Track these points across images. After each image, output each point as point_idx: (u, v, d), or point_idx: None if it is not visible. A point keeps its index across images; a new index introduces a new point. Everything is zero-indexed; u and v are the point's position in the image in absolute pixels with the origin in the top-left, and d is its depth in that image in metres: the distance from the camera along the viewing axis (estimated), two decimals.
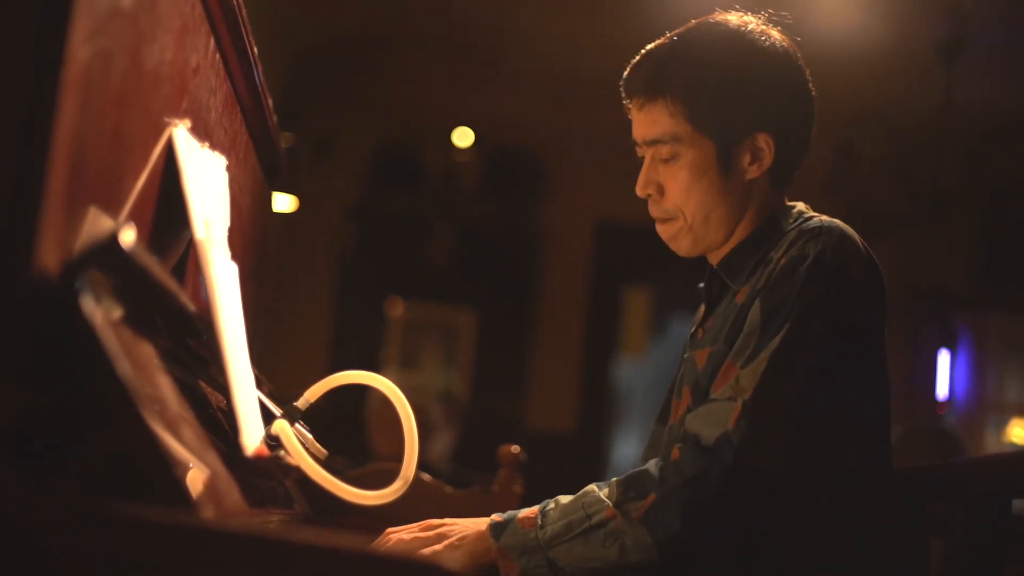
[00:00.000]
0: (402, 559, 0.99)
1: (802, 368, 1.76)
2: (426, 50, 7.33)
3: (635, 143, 2.02)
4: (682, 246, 2.00)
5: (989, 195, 7.62)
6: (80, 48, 1.06)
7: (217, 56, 1.75)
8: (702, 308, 2.08)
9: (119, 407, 1.02)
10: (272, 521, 1.67)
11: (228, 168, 1.73)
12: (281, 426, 1.58)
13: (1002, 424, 7.84)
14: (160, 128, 1.42)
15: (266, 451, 1.53)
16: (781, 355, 1.76)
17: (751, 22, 1.99)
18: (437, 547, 1.81)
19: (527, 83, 7.44)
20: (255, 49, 1.90)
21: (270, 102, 2.16)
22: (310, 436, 1.83)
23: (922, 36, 6.27)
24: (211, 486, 1.16)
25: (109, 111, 1.19)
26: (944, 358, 7.55)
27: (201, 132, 1.63)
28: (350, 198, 7.87)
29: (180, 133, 1.45)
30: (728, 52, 1.96)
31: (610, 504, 1.76)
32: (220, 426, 1.52)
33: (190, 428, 1.23)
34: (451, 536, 1.83)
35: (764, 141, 1.94)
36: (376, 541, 1.84)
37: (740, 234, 1.98)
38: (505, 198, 7.95)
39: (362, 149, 7.86)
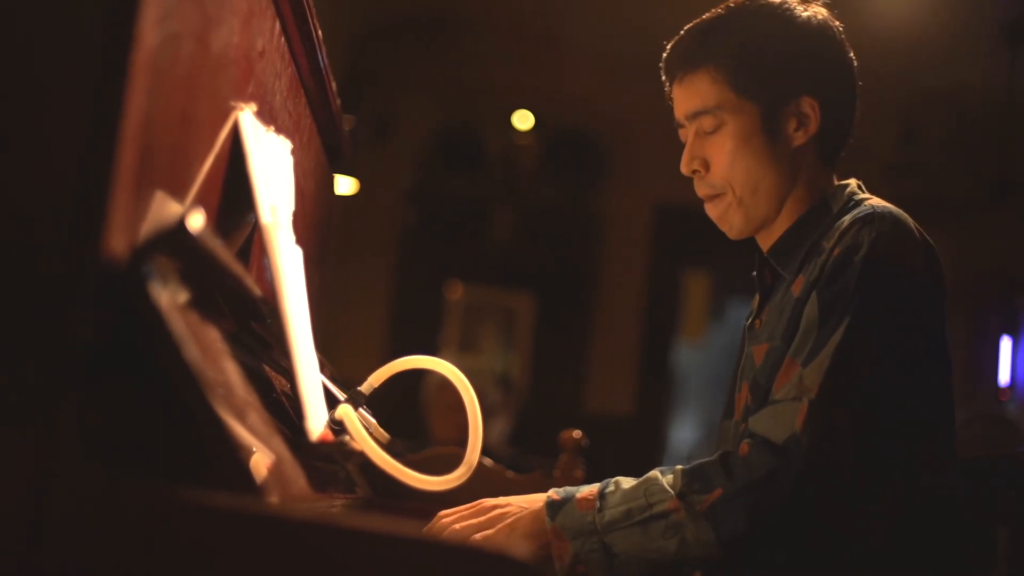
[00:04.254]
0: (470, 548, 0.99)
1: (865, 363, 1.71)
2: (487, 32, 7.33)
3: (678, 125, 1.99)
4: (733, 224, 1.96)
5: None
6: (149, 32, 1.06)
7: (282, 39, 1.75)
8: (757, 297, 2.03)
9: (186, 392, 1.02)
10: (335, 506, 1.67)
11: (292, 152, 1.73)
12: (345, 411, 1.58)
13: None
14: (226, 112, 1.42)
15: (330, 436, 1.53)
16: (843, 351, 1.70)
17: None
18: (489, 532, 1.76)
19: (588, 65, 7.41)
20: (319, 33, 1.90)
21: (334, 85, 2.16)
22: (373, 421, 1.83)
23: (987, 18, 6.18)
24: (276, 471, 1.16)
25: (177, 95, 1.19)
26: (1007, 344, 7.45)
27: (266, 116, 1.63)
28: (410, 181, 7.86)
29: (246, 117, 1.46)
30: (768, 18, 1.94)
31: (674, 495, 1.70)
32: (284, 410, 1.52)
33: (256, 413, 1.23)
34: (505, 519, 1.78)
35: (809, 105, 1.91)
36: (428, 525, 1.81)
37: (790, 214, 1.94)
38: (565, 181, 7.91)
39: (422, 131, 7.85)
